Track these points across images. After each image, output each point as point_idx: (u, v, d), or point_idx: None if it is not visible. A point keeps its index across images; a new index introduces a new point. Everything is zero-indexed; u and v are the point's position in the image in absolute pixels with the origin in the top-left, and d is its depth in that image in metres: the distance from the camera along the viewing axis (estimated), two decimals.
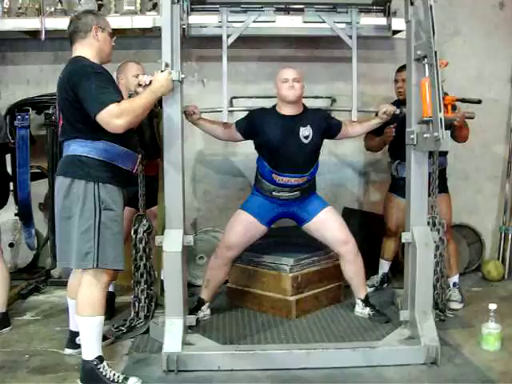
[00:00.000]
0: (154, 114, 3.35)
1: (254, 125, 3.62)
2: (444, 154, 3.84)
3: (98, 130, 2.67)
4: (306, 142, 3.56)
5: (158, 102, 3.19)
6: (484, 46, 4.82)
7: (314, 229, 3.68)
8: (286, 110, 3.60)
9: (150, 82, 2.84)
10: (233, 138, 3.71)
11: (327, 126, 3.67)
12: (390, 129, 3.86)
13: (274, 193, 3.63)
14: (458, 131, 3.77)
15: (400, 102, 3.74)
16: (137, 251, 3.52)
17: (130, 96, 2.99)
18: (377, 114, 3.65)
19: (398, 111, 3.58)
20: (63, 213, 2.73)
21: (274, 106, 3.67)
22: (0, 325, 3.47)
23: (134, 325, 3.49)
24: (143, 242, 3.52)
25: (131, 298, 3.58)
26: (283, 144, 3.52)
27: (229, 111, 3.66)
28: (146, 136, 3.43)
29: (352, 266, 3.67)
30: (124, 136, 2.76)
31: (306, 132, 3.56)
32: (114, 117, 2.58)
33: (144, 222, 3.53)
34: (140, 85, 2.90)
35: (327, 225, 3.65)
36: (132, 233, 3.50)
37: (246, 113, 3.75)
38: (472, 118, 3.69)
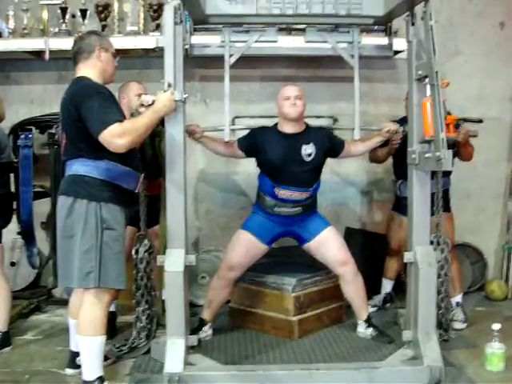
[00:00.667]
0: (155, 133, 3.36)
1: (255, 143, 3.62)
2: (447, 174, 3.84)
3: (101, 150, 2.68)
4: (308, 159, 3.56)
5: (160, 121, 3.21)
6: (485, 66, 4.85)
7: (315, 248, 3.67)
8: (288, 128, 3.60)
9: (153, 102, 2.86)
10: (235, 155, 3.71)
11: (330, 146, 3.67)
12: (396, 136, 3.81)
13: (275, 208, 3.61)
14: (462, 148, 3.76)
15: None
16: (138, 271, 3.51)
17: (131, 115, 3.00)
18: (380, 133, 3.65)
19: (400, 129, 3.59)
20: (65, 232, 2.73)
21: (276, 125, 3.68)
22: (0, 344, 3.45)
23: (135, 345, 3.47)
24: (144, 262, 3.51)
25: (132, 318, 3.57)
26: (285, 162, 3.52)
27: (231, 130, 3.66)
28: (148, 155, 3.44)
29: (351, 287, 3.65)
30: (126, 155, 2.77)
31: (308, 150, 3.56)
32: (117, 136, 2.59)
33: (145, 241, 3.52)
34: (142, 105, 2.92)
35: (328, 245, 3.63)
36: (133, 253, 3.49)
37: (247, 131, 3.77)
38: (475, 136, 3.69)
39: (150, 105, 2.86)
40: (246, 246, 3.61)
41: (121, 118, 2.68)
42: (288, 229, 3.68)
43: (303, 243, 3.71)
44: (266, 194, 3.62)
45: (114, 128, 2.58)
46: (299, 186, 3.56)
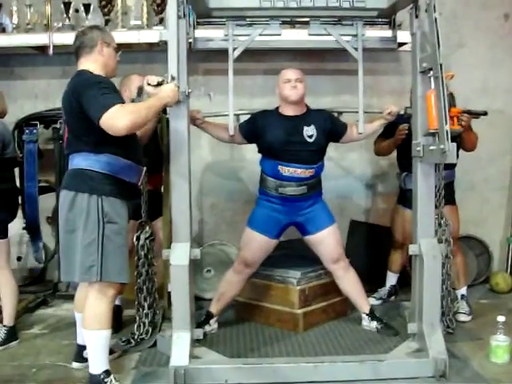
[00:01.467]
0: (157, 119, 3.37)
1: (256, 127, 3.61)
2: (452, 166, 3.83)
3: (103, 143, 2.68)
4: (310, 140, 3.55)
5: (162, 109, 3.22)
6: (489, 58, 4.83)
7: (315, 243, 3.69)
8: (289, 111, 3.60)
9: (158, 84, 2.84)
10: (236, 140, 3.71)
11: (332, 127, 3.66)
12: (403, 127, 3.80)
13: (279, 189, 3.56)
14: (464, 136, 3.72)
15: None
16: (139, 258, 3.52)
17: (132, 101, 2.99)
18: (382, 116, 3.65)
19: (402, 111, 3.59)
20: (67, 226, 2.74)
21: (277, 108, 3.67)
22: (8, 338, 3.47)
23: (141, 338, 3.49)
24: (145, 248, 3.52)
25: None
26: (287, 143, 3.51)
27: (235, 115, 3.65)
28: (150, 149, 3.41)
29: (345, 282, 3.68)
30: (128, 149, 2.79)
31: (309, 131, 3.55)
32: (117, 118, 2.53)
33: (146, 229, 3.54)
34: (149, 84, 2.91)
35: (326, 241, 3.65)
36: (134, 240, 3.49)
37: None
38: (484, 114, 3.68)
39: (155, 85, 2.84)
40: (258, 244, 3.62)
41: (120, 101, 2.64)
42: (294, 220, 3.66)
43: (306, 234, 3.71)
44: (270, 175, 3.60)
45: (115, 109, 2.54)
46: (303, 163, 3.53)
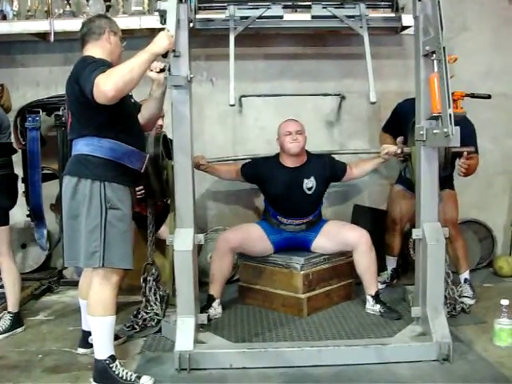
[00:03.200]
0: (161, 167, 3.41)
1: (257, 175, 3.86)
2: None
3: (105, 129, 2.68)
4: (309, 192, 3.77)
5: (167, 155, 3.36)
6: (493, 41, 4.80)
7: (324, 238, 3.84)
8: (289, 162, 3.80)
9: (160, 70, 2.83)
10: (238, 180, 4.01)
11: (331, 173, 3.87)
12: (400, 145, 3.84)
13: (281, 226, 3.86)
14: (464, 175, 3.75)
15: None
16: (147, 300, 3.54)
17: None
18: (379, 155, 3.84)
19: (399, 150, 3.69)
20: (70, 212, 2.74)
21: (278, 155, 3.85)
22: (13, 325, 3.50)
23: (145, 324, 3.51)
24: (152, 290, 3.55)
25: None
26: (287, 195, 3.72)
27: (236, 160, 3.99)
28: (152, 182, 3.40)
29: (365, 259, 3.70)
30: (131, 135, 2.79)
31: (309, 184, 3.76)
32: (101, 84, 2.46)
33: (153, 270, 3.57)
34: (151, 70, 2.90)
35: (336, 229, 3.83)
36: (141, 281, 3.55)
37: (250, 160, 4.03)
38: (487, 97, 3.69)
39: (158, 71, 2.83)
40: (249, 229, 3.83)
41: (108, 69, 2.58)
42: (295, 235, 3.87)
43: (310, 244, 3.88)
44: (271, 216, 3.85)
45: (99, 77, 2.48)
46: (300, 216, 3.79)
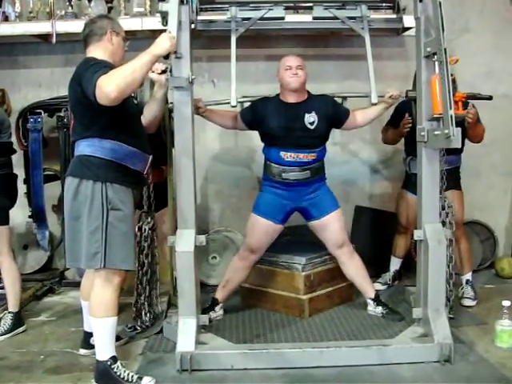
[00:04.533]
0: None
1: (257, 115, 3.62)
2: (458, 152, 3.82)
3: (107, 130, 2.69)
4: (311, 127, 3.55)
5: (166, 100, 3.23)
6: (494, 42, 4.80)
7: (319, 228, 3.69)
8: (290, 98, 3.59)
9: (162, 72, 2.82)
10: (239, 127, 3.73)
11: (333, 113, 3.65)
12: (406, 119, 3.82)
13: (283, 174, 3.58)
14: (471, 129, 3.75)
15: None
16: (141, 249, 3.52)
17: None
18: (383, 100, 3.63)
19: (403, 94, 3.56)
20: (72, 213, 2.74)
21: (278, 95, 3.67)
22: (14, 325, 3.50)
23: (147, 325, 3.52)
24: (149, 239, 3.54)
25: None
26: (288, 130, 3.51)
27: (238, 102, 3.62)
28: (152, 141, 3.39)
29: (350, 267, 3.69)
30: (133, 136, 2.79)
31: (311, 118, 3.54)
32: (103, 85, 2.46)
33: (149, 219, 3.55)
34: (153, 71, 2.89)
35: (330, 227, 3.65)
36: (136, 230, 3.48)
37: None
38: (488, 98, 3.66)
39: (159, 72, 2.82)
40: (263, 230, 3.63)
41: (110, 70, 2.58)
42: (298, 205, 3.67)
43: (310, 219, 3.71)
44: (273, 161, 3.61)
45: (101, 79, 2.48)
46: (304, 148, 3.55)
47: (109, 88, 2.45)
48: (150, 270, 3.58)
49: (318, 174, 3.66)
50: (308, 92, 3.66)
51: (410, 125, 3.77)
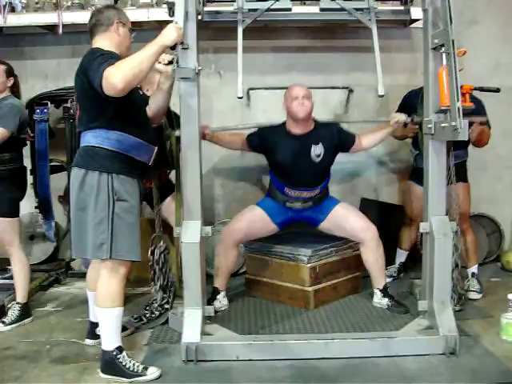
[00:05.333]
0: (165, 137, 3.39)
1: (264, 144, 3.73)
2: (464, 145, 3.81)
3: (113, 121, 2.69)
4: (317, 160, 3.65)
5: (169, 124, 3.29)
6: (502, 34, 4.77)
7: (332, 223, 3.75)
8: (297, 129, 3.68)
9: (169, 63, 2.82)
10: (244, 150, 3.89)
11: (340, 141, 3.74)
12: (412, 128, 3.81)
13: (287, 203, 3.74)
14: (477, 142, 3.82)
15: None
16: (154, 272, 3.57)
17: None
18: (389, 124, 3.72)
19: (408, 119, 3.60)
20: (78, 204, 2.75)
21: (284, 124, 3.74)
22: (21, 315, 3.52)
23: (153, 316, 3.53)
24: (160, 263, 3.57)
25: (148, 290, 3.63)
26: (294, 164, 3.62)
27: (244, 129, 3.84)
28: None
29: (373, 254, 3.68)
30: (139, 127, 2.79)
31: (317, 150, 3.64)
32: (110, 76, 2.46)
33: (161, 243, 3.59)
34: (159, 62, 2.89)
35: (344, 217, 3.69)
36: (149, 254, 3.55)
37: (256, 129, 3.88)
38: (496, 90, 3.66)
39: (166, 63, 2.82)
40: (252, 217, 3.74)
41: (117, 61, 2.57)
42: (300, 214, 3.78)
43: (317, 224, 3.82)
44: (278, 190, 3.74)
45: (108, 70, 2.48)
46: (308, 186, 3.68)
47: (116, 79, 2.45)
48: (162, 290, 3.61)
49: (322, 201, 3.79)
50: (315, 121, 3.73)
51: (417, 130, 3.78)
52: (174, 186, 3.68)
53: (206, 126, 3.57)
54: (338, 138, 3.73)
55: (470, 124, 3.51)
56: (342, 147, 3.78)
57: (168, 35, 2.65)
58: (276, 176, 3.75)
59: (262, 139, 3.74)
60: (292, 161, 3.61)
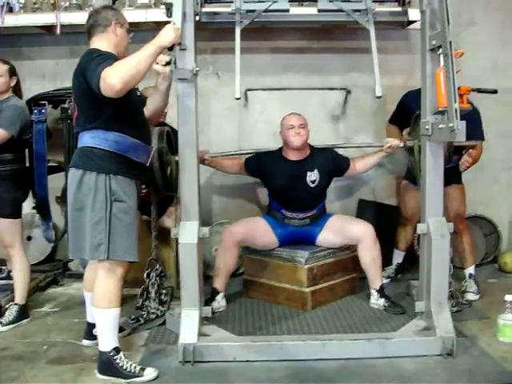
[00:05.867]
0: (165, 162, 3.40)
1: (261, 169, 3.86)
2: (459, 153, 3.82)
3: (111, 121, 2.69)
4: (312, 186, 3.77)
5: (170, 150, 3.33)
6: (500, 36, 4.78)
7: (330, 231, 3.83)
8: (293, 155, 3.79)
9: (166, 64, 2.83)
10: (242, 174, 4.01)
11: (334, 167, 3.87)
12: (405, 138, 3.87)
13: (285, 220, 3.86)
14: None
15: None
16: (148, 295, 3.61)
17: None
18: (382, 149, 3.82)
19: (401, 144, 3.69)
20: (75, 204, 2.75)
21: (281, 150, 3.85)
22: (19, 316, 3.52)
23: (150, 317, 3.53)
24: (156, 286, 3.61)
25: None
26: (290, 188, 3.73)
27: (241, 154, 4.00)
28: (157, 176, 3.38)
29: (370, 253, 3.70)
30: (136, 128, 2.79)
31: (312, 177, 3.75)
32: (108, 77, 2.46)
33: (157, 266, 3.63)
34: (157, 63, 2.90)
35: (341, 223, 3.83)
36: (144, 277, 3.60)
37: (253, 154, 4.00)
38: (493, 92, 3.69)
39: (164, 64, 2.83)
40: (254, 223, 3.84)
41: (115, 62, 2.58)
42: (300, 229, 3.88)
43: (315, 238, 3.88)
44: (276, 211, 3.86)
45: (106, 70, 2.48)
46: (304, 209, 3.79)
47: (113, 80, 2.46)
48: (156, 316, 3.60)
49: (318, 219, 3.88)
50: (310, 147, 3.83)
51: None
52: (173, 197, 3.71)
53: (206, 152, 3.66)
54: (332, 164, 3.86)
55: (460, 150, 3.54)
56: (337, 172, 3.92)
57: (166, 36, 2.64)
58: (273, 199, 3.88)
59: (259, 164, 3.87)
60: (288, 186, 3.73)
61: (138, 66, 2.50)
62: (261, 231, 3.82)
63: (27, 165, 3.68)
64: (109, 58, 2.61)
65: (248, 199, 4.79)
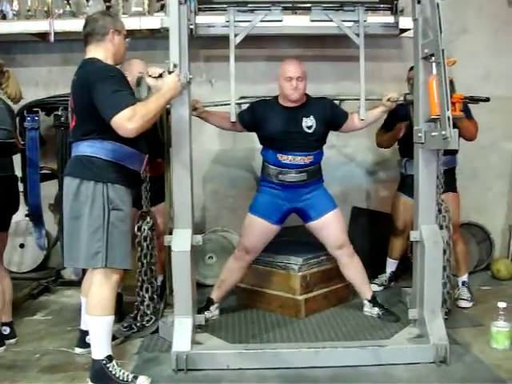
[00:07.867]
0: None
1: (256, 117, 3.63)
2: (453, 153, 3.82)
3: (108, 131, 2.68)
4: (309, 131, 3.56)
5: None
6: (492, 44, 4.81)
7: (318, 229, 3.67)
8: (288, 103, 3.60)
9: (160, 75, 2.84)
10: (237, 129, 3.73)
11: (332, 116, 3.64)
12: (400, 124, 3.84)
13: (280, 176, 3.58)
14: (460, 123, 3.68)
15: None
16: (141, 249, 3.52)
17: (137, 83, 2.96)
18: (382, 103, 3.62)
19: (401, 98, 3.55)
20: (72, 213, 2.74)
21: (277, 97, 3.67)
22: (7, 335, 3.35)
23: (143, 324, 3.50)
24: (148, 239, 3.53)
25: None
26: (286, 134, 3.53)
27: (236, 104, 3.70)
28: (149, 136, 3.39)
29: (349, 268, 3.68)
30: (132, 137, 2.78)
31: (308, 122, 3.55)
32: (127, 121, 2.56)
33: (148, 219, 3.55)
34: (150, 76, 2.91)
35: (330, 228, 3.63)
36: (136, 230, 3.48)
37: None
38: (486, 100, 3.68)
39: (157, 76, 2.84)
40: (258, 230, 3.63)
41: (133, 100, 2.65)
42: (295, 205, 3.66)
43: (308, 221, 3.69)
44: (270, 163, 3.63)
45: (126, 112, 2.55)
46: (301, 151, 3.56)
47: (132, 126, 2.57)
48: (149, 270, 3.57)
49: (315, 177, 3.66)
50: (307, 95, 3.65)
51: (404, 130, 3.78)
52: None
53: (197, 101, 3.53)
54: (330, 113, 3.64)
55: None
56: (334, 123, 3.67)
57: (174, 88, 2.80)
58: (268, 147, 3.64)
59: (254, 113, 3.65)
60: (283, 130, 3.53)
61: (154, 116, 2.69)
62: (265, 233, 3.66)
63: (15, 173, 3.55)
64: (122, 85, 2.67)
65: (241, 207, 4.78)
